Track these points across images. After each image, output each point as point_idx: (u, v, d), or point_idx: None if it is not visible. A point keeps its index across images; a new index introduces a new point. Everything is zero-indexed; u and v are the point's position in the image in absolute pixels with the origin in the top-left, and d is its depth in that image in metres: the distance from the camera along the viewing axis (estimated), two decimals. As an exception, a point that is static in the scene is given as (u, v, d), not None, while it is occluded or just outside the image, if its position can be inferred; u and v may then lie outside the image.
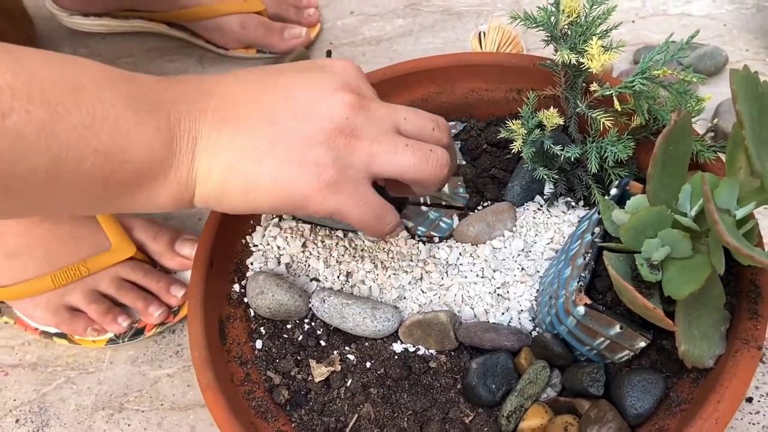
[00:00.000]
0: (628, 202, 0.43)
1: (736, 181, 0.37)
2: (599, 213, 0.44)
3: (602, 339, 0.43)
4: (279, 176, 0.38)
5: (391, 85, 0.60)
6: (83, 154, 0.34)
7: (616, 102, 0.45)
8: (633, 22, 0.78)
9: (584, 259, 0.43)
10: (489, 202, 0.56)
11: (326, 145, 0.39)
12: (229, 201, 0.40)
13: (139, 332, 0.61)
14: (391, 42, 0.81)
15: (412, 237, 0.56)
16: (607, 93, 0.46)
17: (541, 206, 0.55)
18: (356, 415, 0.47)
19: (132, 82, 0.37)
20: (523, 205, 0.55)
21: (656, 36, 0.76)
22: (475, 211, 0.56)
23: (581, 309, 0.41)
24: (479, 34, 0.72)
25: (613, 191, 0.45)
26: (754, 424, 0.53)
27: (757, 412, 0.53)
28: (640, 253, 0.40)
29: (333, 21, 0.85)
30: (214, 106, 0.39)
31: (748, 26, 0.75)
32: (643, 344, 0.42)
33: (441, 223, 0.56)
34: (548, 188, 0.55)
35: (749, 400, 0.54)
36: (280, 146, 0.38)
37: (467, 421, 0.47)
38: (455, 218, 0.56)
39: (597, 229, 0.44)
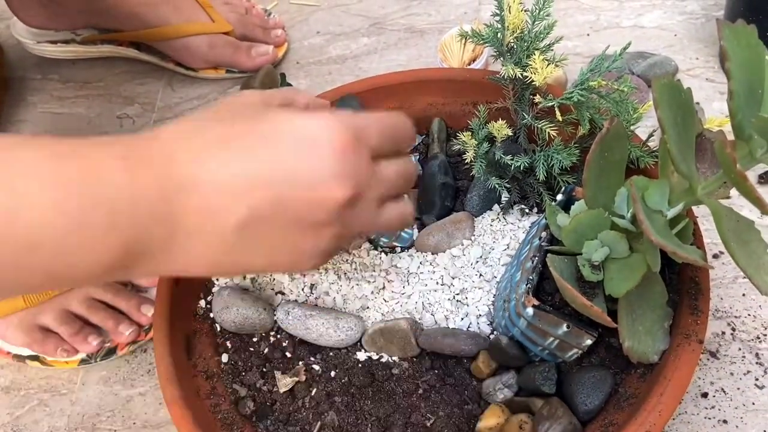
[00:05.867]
0: (572, 207, 0.45)
1: (665, 183, 0.39)
2: (546, 218, 0.46)
3: (552, 339, 0.45)
4: (271, 265, 0.39)
5: (352, 102, 0.62)
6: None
7: (557, 112, 0.48)
8: (588, 35, 0.81)
9: (532, 262, 0.45)
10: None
11: (314, 238, 0.38)
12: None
13: (112, 351, 0.62)
14: (357, 60, 0.84)
15: (375, 248, 0.57)
16: (550, 104, 0.48)
17: (499, 214, 0.57)
18: (319, 423, 0.49)
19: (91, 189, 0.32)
20: (482, 214, 0.57)
21: (610, 48, 0.79)
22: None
23: (530, 310, 0.43)
24: (443, 45, 0.74)
25: (560, 197, 0.47)
26: (710, 418, 0.54)
27: (713, 407, 0.55)
28: (582, 254, 0.42)
29: (300, 41, 0.87)
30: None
31: (697, 35, 0.78)
32: (589, 342, 0.44)
33: (403, 234, 0.58)
34: (504, 197, 0.57)
35: (704, 395, 0.55)
36: (267, 240, 0.37)
37: (428, 424, 0.48)
38: (416, 229, 0.58)
39: (544, 234, 0.46)
